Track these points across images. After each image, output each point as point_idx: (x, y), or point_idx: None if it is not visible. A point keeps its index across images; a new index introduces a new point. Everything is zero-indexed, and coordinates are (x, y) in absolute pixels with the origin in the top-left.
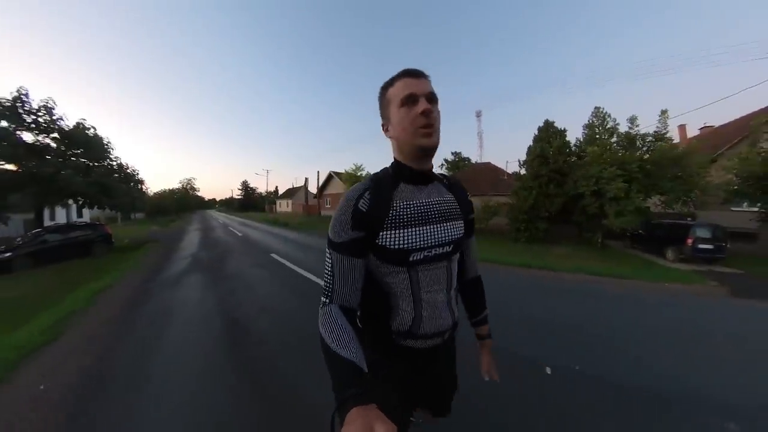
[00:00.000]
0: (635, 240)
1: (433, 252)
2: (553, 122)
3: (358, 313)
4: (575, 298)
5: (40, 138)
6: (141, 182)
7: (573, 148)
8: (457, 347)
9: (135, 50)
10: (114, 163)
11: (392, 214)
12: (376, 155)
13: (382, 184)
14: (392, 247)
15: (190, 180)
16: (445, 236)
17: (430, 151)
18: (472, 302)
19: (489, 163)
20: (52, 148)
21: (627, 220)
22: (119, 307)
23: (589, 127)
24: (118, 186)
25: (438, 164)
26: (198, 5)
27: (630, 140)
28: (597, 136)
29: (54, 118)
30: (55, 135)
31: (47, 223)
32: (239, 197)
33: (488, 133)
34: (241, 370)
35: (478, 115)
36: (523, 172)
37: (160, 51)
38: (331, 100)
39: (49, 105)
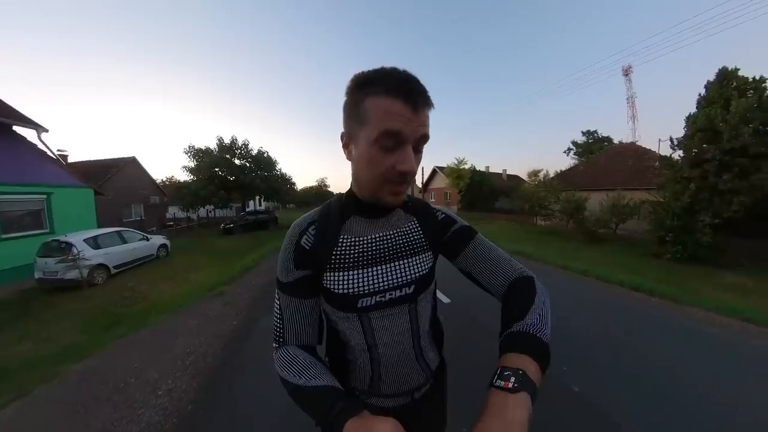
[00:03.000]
0: None
1: (387, 296)
2: (737, 70)
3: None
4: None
5: (242, 162)
6: (293, 184)
7: None
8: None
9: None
10: (278, 173)
11: (337, 252)
12: (478, 148)
13: (331, 216)
14: (337, 291)
15: (323, 178)
16: (402, 276)
17: (393, 207)
18: (504, 312)
19: (633, 144)
20: (247, 167)
21: None
22: None
23: None
24: (281, 187)
25: (565, 149)
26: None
27: None
28: None
29: (249, 150)
30: (249, 159)
31: (246, 209)
32: None
33: (645, 97)
34: None
35: (626, 72)
36: (677, 155)
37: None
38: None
39: (246, 143)
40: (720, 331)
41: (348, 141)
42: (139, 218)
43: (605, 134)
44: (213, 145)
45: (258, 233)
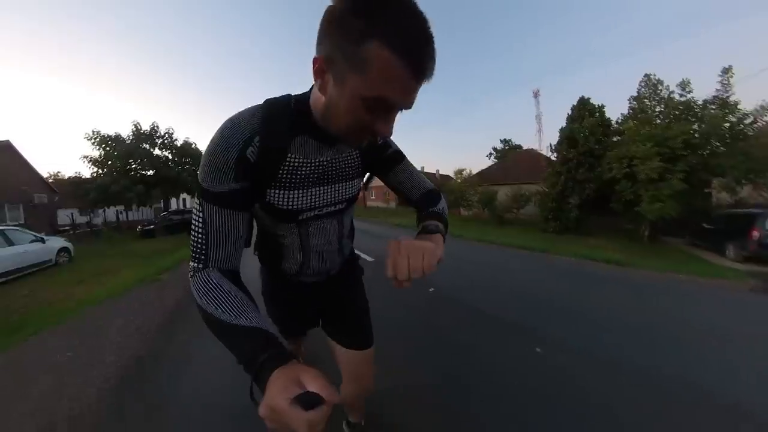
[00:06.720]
0: (698, 235)
1: (324, 210)
2: (589, 99)
3: (257, 255)
4: (538, 271)
5: (165, 153)
6: None
7: (615, 126)
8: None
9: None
10: None
11: (283, 171)
12: (416, 149)
13: (277, 129)
14: (281, 206)
15: None
16: (339, 196)
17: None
18: (422, 205)
19: (531, 150)
20: (171, 159)
21: (663, 207)
22: None
23: (636, 99)
24: None
25: (486, 154)
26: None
27: (687, 109)
28: (649, 110)
29: (173, 139)
30: (173, 150)
31: (168, 209)
32: None
33: (551, 114)
34: None
35: (536, 95)
36: (554, 156)
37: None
38: None
39: (170, 131)
40: (578, 267)
41: (327, 70)
42: (17, 223)
43: (517, 142)
44: (126, 132)
45: (184, 235)
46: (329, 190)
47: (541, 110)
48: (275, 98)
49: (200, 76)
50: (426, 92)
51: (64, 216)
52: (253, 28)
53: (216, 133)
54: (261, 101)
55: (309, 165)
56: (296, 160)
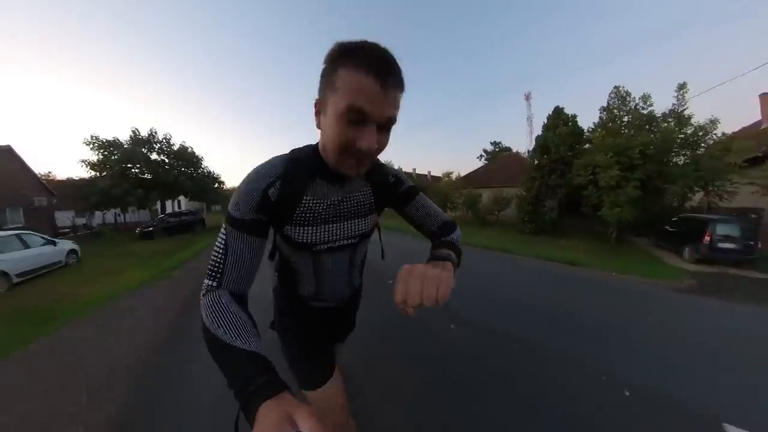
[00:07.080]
0: (661, 237)
1: (337, 244)
2: (563, 108)
3: (277, 276)
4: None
5: (162, 157)
6: (222, 183)
7: (588, 134)
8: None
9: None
10: (204, 170)
11: (299, 211)
12: (409, 150)
13: (297, 174)
14: (296, 239)
15: None
16: (351, 232)
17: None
18: (436, 235)
19: (517, 153)
20: (168, 162)
21: (621, 211)
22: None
23: (606, 110)
24: (209, 186)
25: (476, 155)
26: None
27: (650, 120)
28: (617, 120)
29: (170, 144)
30: (172, 155)
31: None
32: None
33: (546, 115)
34: None
35: (528, 97)
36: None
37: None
38: None
39: (167, 137)
40: (544, 267)
41: (319, 109)
42: (19, 225)
43: (509, 144)
44: (124, 136)
45: (183, 236)
46: (342, 227)
47: (532, 112)
48: (299, 148)
49: (200, 75)
50: (423, 93)
51: (63, 218)
52: (252, 28)
53: (247, 175)
54: (261, 102)
55: (322, 204)
56: (311, 201)
